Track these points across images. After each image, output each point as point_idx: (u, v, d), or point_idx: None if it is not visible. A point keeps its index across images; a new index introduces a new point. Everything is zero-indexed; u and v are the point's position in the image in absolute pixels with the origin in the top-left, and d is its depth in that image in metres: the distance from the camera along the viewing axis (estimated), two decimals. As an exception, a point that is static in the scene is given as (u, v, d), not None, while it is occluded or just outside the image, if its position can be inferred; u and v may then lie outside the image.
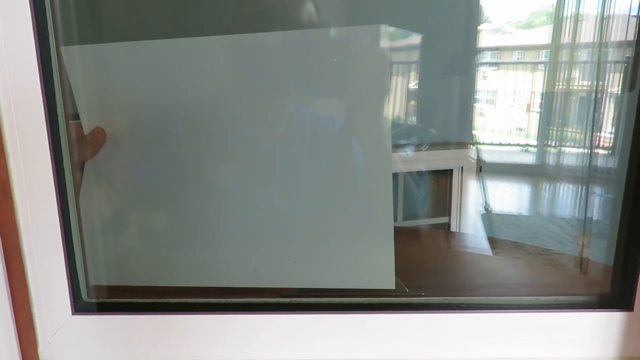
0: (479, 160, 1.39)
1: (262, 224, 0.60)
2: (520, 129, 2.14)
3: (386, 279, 0.58)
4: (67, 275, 0.53)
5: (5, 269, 0.47)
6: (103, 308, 0.56)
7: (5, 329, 0.48)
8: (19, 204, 0.50)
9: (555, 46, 1.77)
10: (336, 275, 0.60)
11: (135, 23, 0.67)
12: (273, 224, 0.60)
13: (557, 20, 1.79)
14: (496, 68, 2.07)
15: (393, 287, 0.58)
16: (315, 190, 0.58)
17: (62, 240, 0.52)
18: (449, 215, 1.37)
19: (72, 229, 0.53)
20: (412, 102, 1.62)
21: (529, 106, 2.06)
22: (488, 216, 1.55)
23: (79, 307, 0.55)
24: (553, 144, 1.90)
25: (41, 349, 0.53)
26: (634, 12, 0.70)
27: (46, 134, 0.49)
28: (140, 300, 0.57)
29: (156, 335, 0.54)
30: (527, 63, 2.11)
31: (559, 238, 1.40)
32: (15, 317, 0.49)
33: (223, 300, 0.57)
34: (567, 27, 1.76)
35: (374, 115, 0.56)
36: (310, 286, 0.60)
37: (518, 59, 2.11)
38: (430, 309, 0.54)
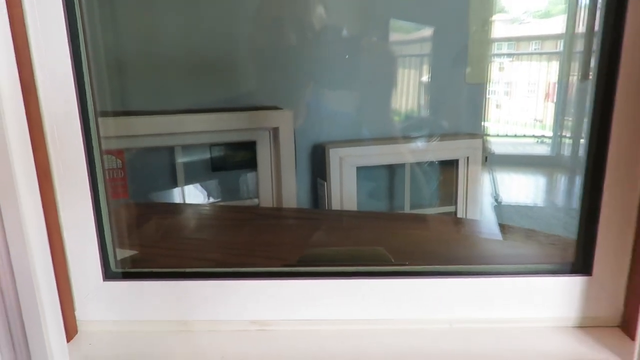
0: (484, 150, 1.43)
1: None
2: (536, 120, 2.14)
3: None
4: (98, 247, 0.62)
5: (47, 240, 0.57)
6: (128, 276, 0.65)
7: (49, 289, 0.57)
8: (58, 185, 0.59)
9: (569, 35, 1.76)
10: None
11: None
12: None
13: (571, 9, 1.77)
14: (511, 59, 2.06)
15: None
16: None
17: (94, 217, 0.61)
18: (456, 204, 1.41)
19: (102, 207, 0.62)
20: (423, 95, 1.65)
21: (546, 96, 2.04)
22: (497, 207, 1.58)
23: (109, 275, 0.64)
24: (568, 135, 1.89)
25: (77, 308, 0.63)
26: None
27: (79, 127, 0.58)
28: (160, 270, 0.66)
29: (173, 299, 0.63)
30: (543, 54, 2.09)
31: (566, 225, 1.42)
32: (56, 281, 0.58)
33: (230, 269, 0.65)
34: (583, 15, 1.74)
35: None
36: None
37: (535, 49, 2.10)
38: (411, 275, 0.61)
